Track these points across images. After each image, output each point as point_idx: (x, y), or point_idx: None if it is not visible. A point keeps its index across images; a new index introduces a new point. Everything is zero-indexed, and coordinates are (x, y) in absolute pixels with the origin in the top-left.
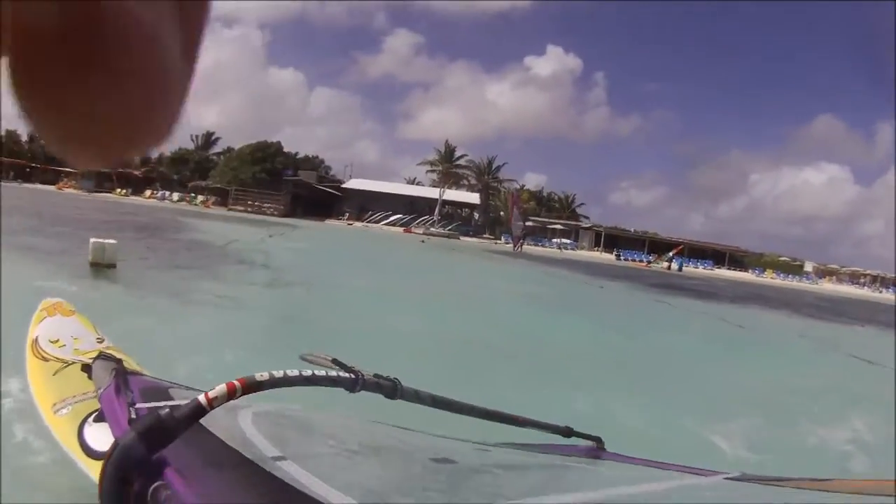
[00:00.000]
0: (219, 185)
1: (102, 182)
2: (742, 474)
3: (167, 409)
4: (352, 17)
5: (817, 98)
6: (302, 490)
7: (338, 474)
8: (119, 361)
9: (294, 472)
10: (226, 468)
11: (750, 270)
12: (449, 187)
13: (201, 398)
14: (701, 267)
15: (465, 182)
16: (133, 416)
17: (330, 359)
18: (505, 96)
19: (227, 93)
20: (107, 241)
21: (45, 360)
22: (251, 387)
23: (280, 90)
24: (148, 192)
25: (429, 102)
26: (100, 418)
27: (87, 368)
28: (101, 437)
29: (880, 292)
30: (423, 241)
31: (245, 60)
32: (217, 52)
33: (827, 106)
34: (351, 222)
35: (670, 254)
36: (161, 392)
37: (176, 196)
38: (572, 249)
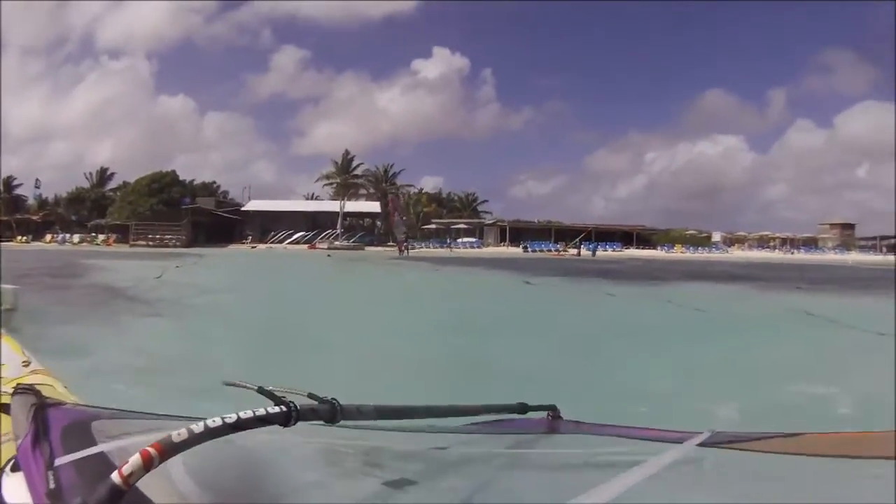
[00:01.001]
0: (118, 222)
1: (3, 231)
2: (713, 433)
3: (78, 500)
4: (238, 37)
5: (706, 73)
6: None
7: None
8: (38, 394)
9: None
10: None
11: (659, 247)
12: (348, 199)
13: (114, 476)
14: (610, 249)
15: (364, 192)
16: (52, 484)
17: (255, 387)
18: (395, 102)
19: (119, 127)
20: (5, 286)
21: None
22: (169, 450)
23: (171, 119)
24: (48, 237)
25: (320, 117)
26: (16, 467)
27: (5, 408)
28: (19, 491)
29: (792, 253)
30: (328, 256)
31: (133, 92)
32: (105, 86)
33: (716, 80)
34: (254, 245)
35: (577, 240)
36: (84, 432)
37: (77, 238)
38: (477, 247)
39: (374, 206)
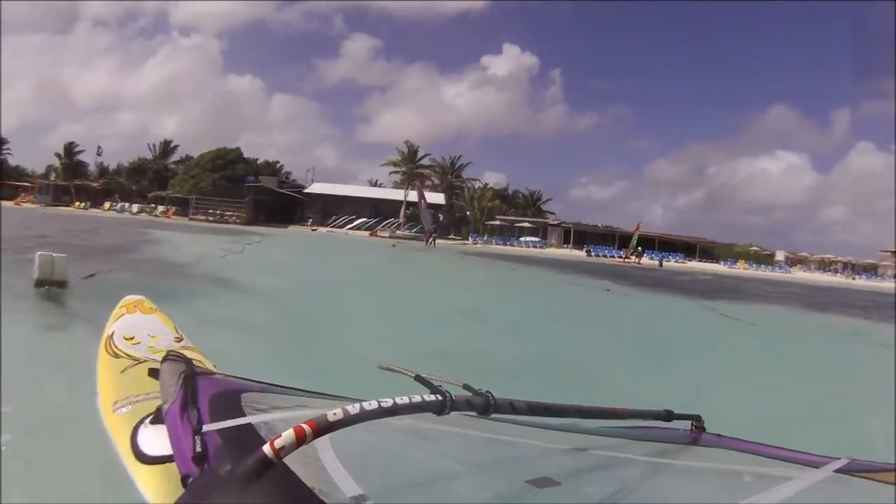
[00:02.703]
0: (179, 195)
1: (60, 196)
2: (851, 461)
3: (228, 467)
4: (309, 23)
5: (771, 88)
6: None
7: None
8: (188, 362)
9: None
10: None
11: (721, 262)
12: (412, 188)
13: (266, 448)
14: (673, 260)
15: (429, 183)
16: (198, 447)
17: (413, 374)
18: (462, 97)
19: (186, 102)
20: (55, 254)
21: (117, 356)
22: (323, 429)
23: (239, 98)
24: (107, 205)
25: (387, 105)
26: (156, 420)
27: (154, 372)
28: (154, 441)
29: (853, 279)
30: (393, 245)
31: (203, 69)
32: (175, 61)
33: (781, 95)
34: (315, 228)
35: (635, 244)
36: (232, 402)
37: (136, 207)
38: (540, 247)
39: (439, 198)
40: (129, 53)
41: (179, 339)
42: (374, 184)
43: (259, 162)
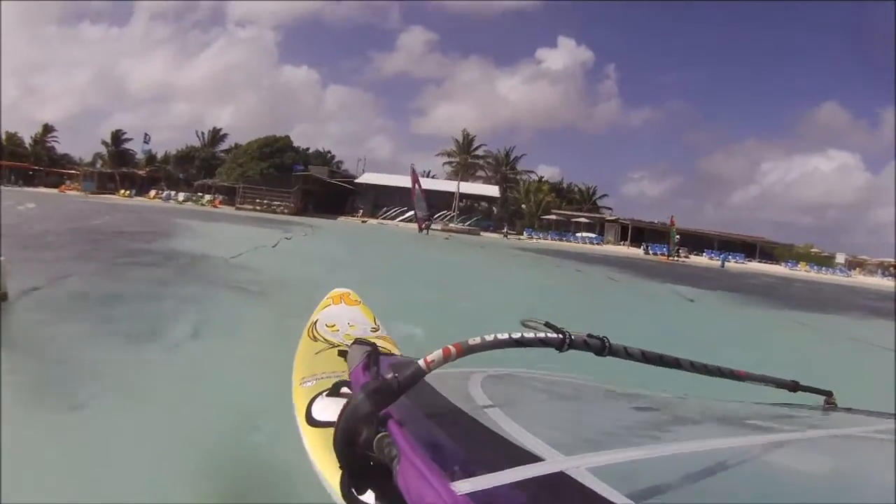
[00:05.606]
0: (226, 184)
1: (106, 183)
2: None
3: (393, 375)
4: (366, 16)
5: (825, 86)
6: (508, 439)
7: (545, 426)
8: (374, 346)
9: (504, 425)
10: (443, 421)
11: (782, 263)
12: (465, 180)
13: (421, 362)
14: (733, 260)
15: (483, 174)
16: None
17: (543, 322)
18: (517, 90)
19: (241, 93)
20: None
21: (315, 340)
22: (465, 350)
23: (293, 89)
24: (152, 193)
25: (441, 98)
26: (332, 394)
27: (343, 353)
28: (325, 410)
29: None
30: (446, 238)
31: (259, 60)
32: (230, 53)
33: (831, 93)
34: (365, 219)
35: (677, 237)
36: (407, 365)
37: (182, 196)
38: (598, 244)
39: (493, 190)
40: (186, 45)
41: (376, 329)
42: (427, 175)
43: (310, 151)
